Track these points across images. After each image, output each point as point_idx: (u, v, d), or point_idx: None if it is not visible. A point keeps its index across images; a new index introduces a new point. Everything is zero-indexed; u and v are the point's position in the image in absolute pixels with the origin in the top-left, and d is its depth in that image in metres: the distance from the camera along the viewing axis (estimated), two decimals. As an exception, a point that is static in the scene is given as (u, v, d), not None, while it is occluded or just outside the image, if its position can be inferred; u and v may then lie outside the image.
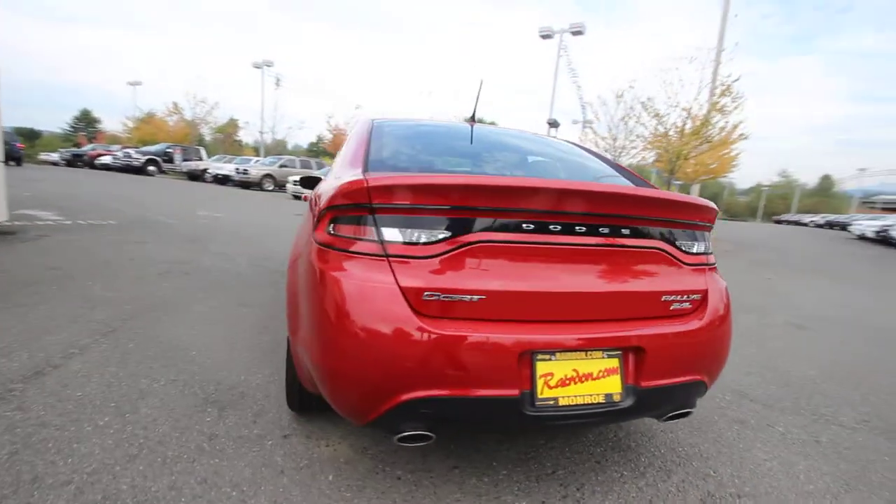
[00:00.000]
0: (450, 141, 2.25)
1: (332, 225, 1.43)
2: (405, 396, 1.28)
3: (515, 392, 1.30)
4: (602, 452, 1.93)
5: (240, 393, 2.18)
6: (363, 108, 29.14)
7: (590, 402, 1.37)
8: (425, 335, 1.26)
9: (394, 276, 1.30)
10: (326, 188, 1.55)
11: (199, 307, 3.40)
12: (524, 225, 1.35)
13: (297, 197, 16.54)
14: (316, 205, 1.66)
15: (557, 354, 1.34)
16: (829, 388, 2.86)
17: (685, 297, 1.53)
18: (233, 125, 48.42)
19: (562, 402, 1.34)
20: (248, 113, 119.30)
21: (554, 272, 1.38)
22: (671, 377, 1.47)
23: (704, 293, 1.58)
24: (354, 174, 1.51)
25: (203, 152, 23.51)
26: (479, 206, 1.32)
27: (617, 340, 1.38)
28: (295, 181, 16.15)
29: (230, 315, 3.29)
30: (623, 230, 1.44)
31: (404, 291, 1.28)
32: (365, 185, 1.33)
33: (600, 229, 1.41)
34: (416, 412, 1.30)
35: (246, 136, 49.45)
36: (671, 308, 1.51)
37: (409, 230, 1.33)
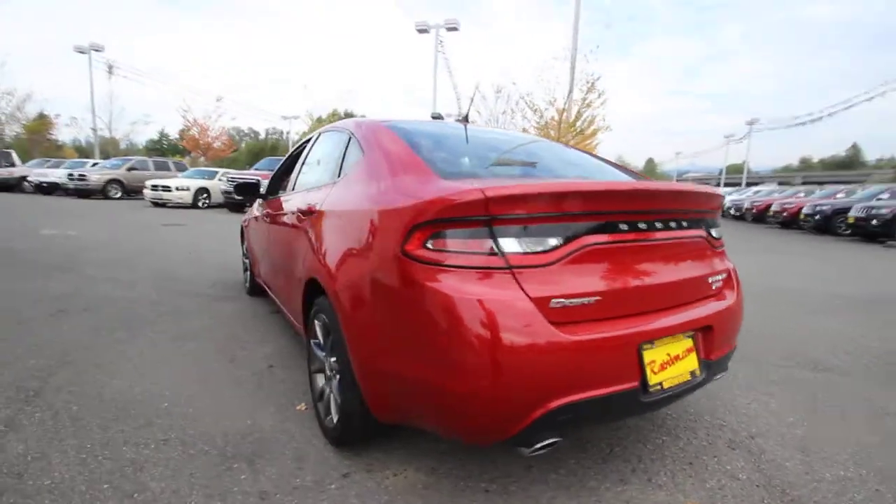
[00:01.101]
0: (482, 144, 2.20)
1: (432, 240, 1.33)
2: (547, 407, 1.27)
3: (635, 383, 1.38)
4: (638, 426, 2.12)
5: (258, 440, 1.89)
6: (225, 100, 26.28)
7: (681, 381, 1.51)
8: (561, 343, 1.26)
9: (521, 287, 1.27)
10: (402, 199, 1.43)
11: (129, 348, 2.81)
12: (620, 225, 1.42)
13: (158, 204, 14.37)
14: (372, 218, 1.52)
15: (656, 342, 1.46)
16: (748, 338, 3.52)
17: (720, 276, 1.77)
18: (45, 122, 39.83)
19: (665, 385, 1.46)
20: (68, 107, 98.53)
21: (645, 266, 1.48)
22: (724, 348, 1.69)
23: (729, 272, 1.84)
24: (448, 185, 1.42)
25: (14, 156, 18.91)
26: (587, 211, 1.36)
27: (694, 322, 1.55)
28: (199, 188, 14.13)
29: (176, 352, 2.79)
30: (683, 223, 1.60)
31: (535, 302, 1.26)
32: (483, 195, 1.27)
33: (671, 224, 1.55)
34: (554, 421, 1.29)
35: (65, 135, 41.08)
36: (713, 288, 1.73)
37: (527, 239, 1.31)
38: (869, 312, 4.37)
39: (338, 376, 1.81)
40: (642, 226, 1.47)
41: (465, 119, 2.39)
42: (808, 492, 1.69)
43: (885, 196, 11.97)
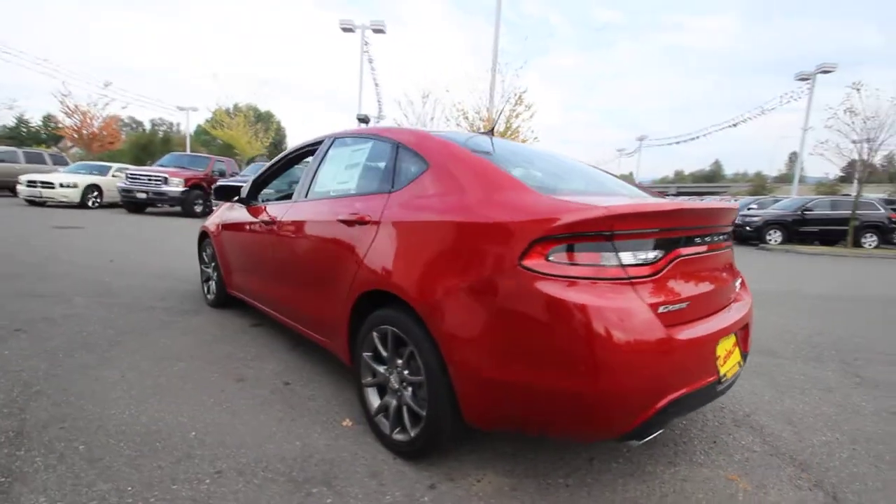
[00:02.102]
0: (529, 157, 2.28)
1: (556, 253, 1.41)
2: (663, 402, 1.41)
3: (716, 376, 1.59)
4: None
5: (323, 461, 1.80)
6: (113, 86, 23.22)
7: (734, 371, 1.76)
8: (673, 344, 1.41)
9: (639, 296, 1.40)
10: (516, 213, 1.48)
11: (104, 373, 2.45)
12: (696, 239, 1.62)
13: (35, 203, 12.31)
14: (475, 231, 1.55)
15: (721, 340, 1.68)
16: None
17: (740, 280, 2.07)
18: None
19: (728, 376, 1.69)
20: None
21: (708, 273, 1.70)
22: (749, 341, 1.99)
23: (741, 276, 2.15)
24: (561, 200, 1.50)
25: None
26: (678, 227, 1.54)
27: (740, 320, 1.81)
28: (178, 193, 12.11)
29: (168, 375, 2.50)
30: (724, 235, 1.86)
31: (651, 309, 1.40)
32: (609, 213, 1.37)
33: (719, 236, 1.80)
34: (665, 414, 1.44)
35: None
36: (738, 290, 2.02)
37: (640, 253, 1.44)
38: (780, 304, 5.24)
39: (413, 389, 1.79)
40: (708, 238, 1.69)
41: (491, 131, 2.46)
42: (808, 456, 2.04)
43: (755, 207, 14.29)
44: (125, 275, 4.84)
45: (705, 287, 1.65)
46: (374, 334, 1.93)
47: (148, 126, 61.07)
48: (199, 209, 12.67)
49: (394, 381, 1.87)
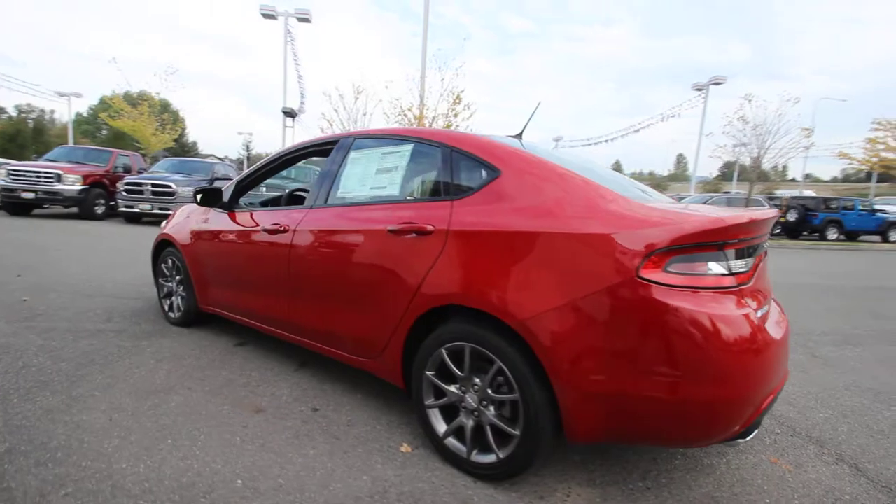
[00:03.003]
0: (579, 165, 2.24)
1: (674, 264, 1.41)
2: (767, 401, 1.49)
3: (787, 373, 1.71)
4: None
5: (402, 494, 1.65)
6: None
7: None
8: (772, 346, 1.49)
9: (746, 303, 1.45)
10: (631, 225, 1.46)
11: (82, 417, 2.04)
12: (760, 245, 1.73)
13: None
14: (580, 242, 1.51)
15: None
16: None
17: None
18: None
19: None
20: None
21: (764, 277, 1.82)
22: None
23: None
24: (673, 211, 1.50)
25: None
26: (758, 235, 1.62)
27: (784, 317, 1.96)
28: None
29: (167, 413, 2.14)
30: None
31: (755, 314, 1.46)
32: (723, 224, 1.41)
33: (766, 241, 1.93)
34: (765, 412, 1.52)
35: None
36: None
37: (740, 261, 1.49)
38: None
39: (496, 407, 1.71)
40: (765, 244, 1.81)
41: (520, 136, 2.42)
42: (819, 433, 2.29)
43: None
44: (44, 292, 4.07)
45: (766, 290, 1.76)
46: (444, 352, 1.80)
47: (13, 113, 51.89)
48: (100, 210, 11.09)
49: (471, 401, 1.76)
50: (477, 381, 1.75)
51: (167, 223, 3.55)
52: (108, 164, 11.66)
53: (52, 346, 2.84)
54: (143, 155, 14.93)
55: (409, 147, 2.15)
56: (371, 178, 2.24)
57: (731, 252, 1.46)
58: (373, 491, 1.66)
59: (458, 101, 12.77)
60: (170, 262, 3.39)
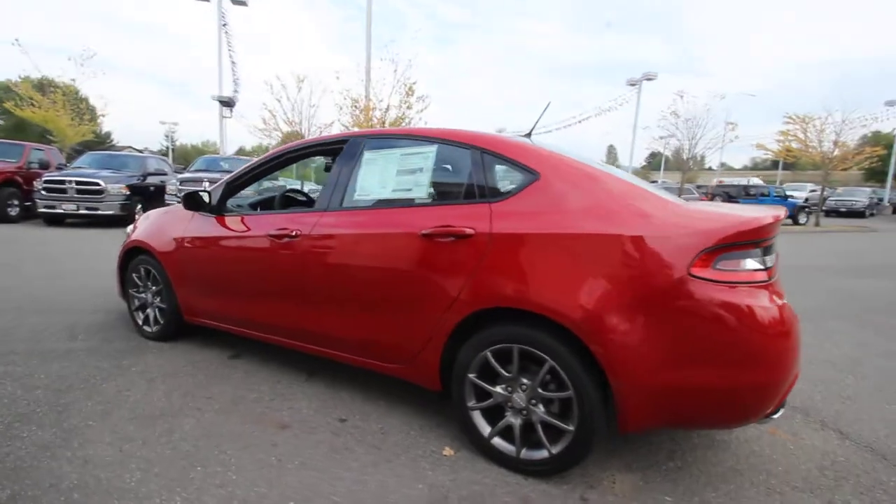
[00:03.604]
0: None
1: (722, 261, 1.52)
2: (794, 381, 1.65)
3: None
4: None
5: (462, 498, 1.66)
6: None
7: None
8: (798, 333, 1.65)
9: (778, 295, 1.60)
10: (683, 224, 1.55)
11: (87, 452, 1.85)
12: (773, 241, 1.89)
13: None
14: (634, 244, 1.58)
15: None
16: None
17: None
18: None
19: None
20: None
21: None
22: None
23: None
24: (715, 211, 1.60)
25: None
26: (776, 232, 1.77)
27: None
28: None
29: (189, 438, 1.99)
30: None
31: (785, 305, 1.61)
32: (761, 223, 1.53)
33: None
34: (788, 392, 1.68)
35: None
36: None
37: (769, 257, 1.63)
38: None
39: (546, 405, 1.75)
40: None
41: (529, 135, 2.45)
42: (800, 402, 2.56)
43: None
44: (-20, 310, 3.58)
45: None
46: (489, 354, 1.82)
47: None
48: (14, 213, 9.86)
49: (518, 400, 1.79)
50: (525, 380, 1.79)
51: (135, 228, 3.24)
52: (20, 160, 10.34)
53: (18, 371, 2.52)
54: (59, 149, 13.37)
55: (433, 148, 2.12)
56: (392, 180, 2.19)
57: (763, 249, 1.59)
58: (433, 498, 1.65)
59: (410, 92, 12.63)
60: (142, 270, 3.11)
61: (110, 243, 7.43)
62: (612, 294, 1.58)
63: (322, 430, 2.08)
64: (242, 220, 2.64)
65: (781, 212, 1.71)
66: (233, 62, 19.37)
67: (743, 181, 23.03)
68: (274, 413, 2.21)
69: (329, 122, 15.28)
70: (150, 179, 10.91)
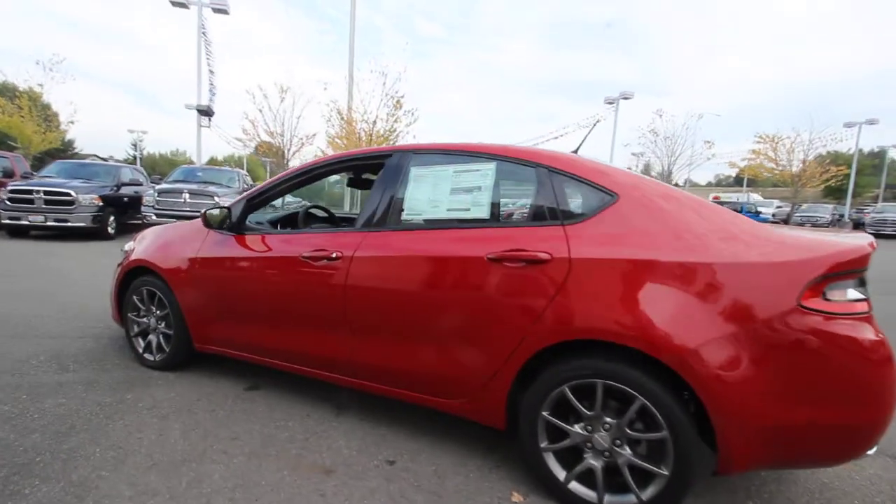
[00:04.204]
0: None
1: (831, 290, 1.43)
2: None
3: None
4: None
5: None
6: None
7: None
8: None
9: (878, 328, 1.51)
10: (789, 253, 1.46)
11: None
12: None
13: None
14: (735, 272, 1.48)
15: None
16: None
17: None
18: None
19: None
20: None
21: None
22: None
23: None
24: (810, 239, 1.51)
25: None
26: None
27: None
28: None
29: (220, 489, 1.76)
30: None
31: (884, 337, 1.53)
32: (864, 251, 1.45)
33: None
34: None
35: None
36: None
37: (865, 287, 1.55)
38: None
39: (632, 446, 1.61)
40: None
41: (576, 152, 2.35)
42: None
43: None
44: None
45: None
46: (567, 389, 1.67)
47: None
48: (-27, 224, 9.14)
49: (601, 441, 1.65)
50: (608, 419, 1.64)
51: (136, 246, 2.96)
52: (-20, 168, 9.65)
53: (5, 411, 2.21)
54: (23, 156, 12.59)
55: (492, 165, 1.99)
56: (445, 199, 2.03)
57: (860, 279, 1.51)
58: (516, 556, 1.48)
59: (398, 105, 12.52)
60: (145, 293, 2.83)
61: (82, 258, 6.94)
62: (714, 327, 1.47)
63: (372, 474, 1.87)
64: (265, 240, 2.42)
65: (872, 239, 1.64)
66: (210, 71, 18.87)
67: (742, 197, 24.00)
68: (312, 455, 1.99)
69: (312, 132, 15.05)
70: (125, 190, 10.36)
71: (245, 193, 2.60)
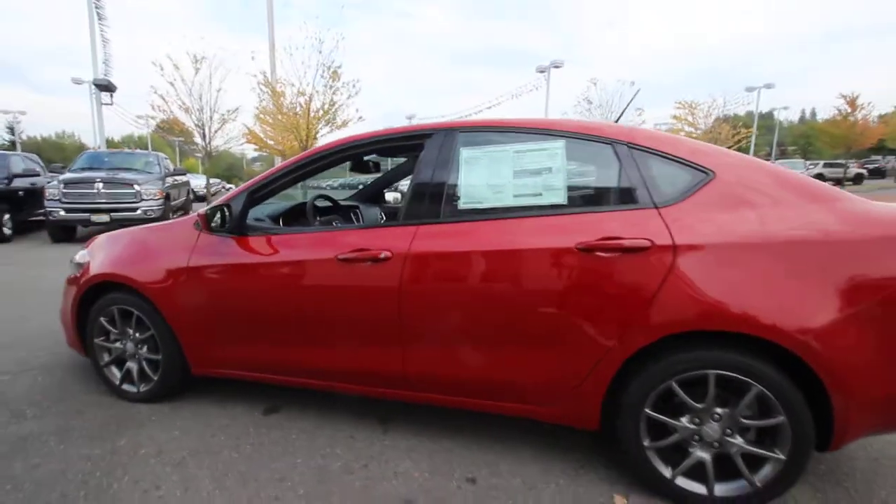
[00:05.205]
0: None
1: None
2: None
3: None
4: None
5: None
6: None
7: None
8: None
9: None
10: None
11: None
12: None
13: None
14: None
15: None
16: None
17: None
18: None
19: None
20: None
21: None
22: None
23: None
24: None
25: None
26: None
27: None
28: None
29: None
30: None
31: None
32: None
33: None
34: None
35: None
36: None
37: None
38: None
39: (747, 435, 1.56)
40: None
41: (617, 121, 2.21)
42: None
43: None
44: None
45: None
46: (674, 384, 1.56)
47: None
48: None
49: (710, 432, 1.57)
50: (718, 410, 1.57)
51: (93, 256, 2.41)
52: None
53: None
54: None
55: (559, 144, 1.78)
56: (509, 183, 1.80)
57: None
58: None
59: (335, 76, 11.63)
60: (116, 313, 2.32)
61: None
62: (834, 306, 1.42)
63: (457, 498, 1.67)
64: (278, 241, 2.05)
65: None
66: (104, 40, 16.37)
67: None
68: (381, 485, 1.74)
69: (234, 107, 13.78)
70: (18, 182, 8.78)
71: (245, 185, 2.16)
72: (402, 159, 3.20)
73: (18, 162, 9.43)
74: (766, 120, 40.35)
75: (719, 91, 16.81)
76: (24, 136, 42.77)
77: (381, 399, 2.06)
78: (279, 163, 17.24)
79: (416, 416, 2.22)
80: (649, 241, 1.55)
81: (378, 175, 3.34)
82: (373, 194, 3.40)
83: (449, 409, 1.97)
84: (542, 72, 22.77)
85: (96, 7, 13.68)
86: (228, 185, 30.98)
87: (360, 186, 3.40)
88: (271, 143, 13.87)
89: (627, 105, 2.40)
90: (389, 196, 3.53)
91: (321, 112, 11.83)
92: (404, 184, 3.74)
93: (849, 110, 23.26)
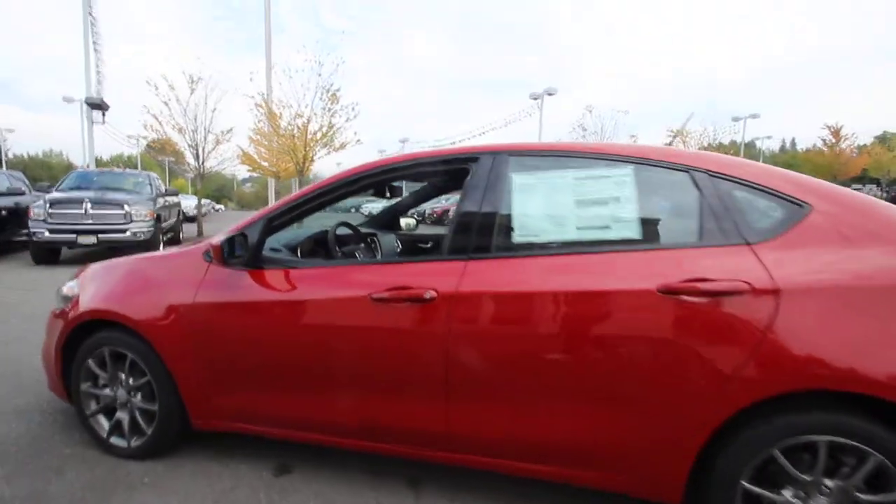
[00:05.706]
0: None
1: None
2: None
3: None
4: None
5: None
6: None
7: None
8: None
9: None
10: None
11: None
12: None
13: None
14: None
15: None
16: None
17: None
18: None
19: None
20: None
21: None
22: None
23: None
24: None
25: None
26: None
27: None
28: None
29: None
30: None
31: None
32: None
33: None
34: None
35: None
36: None
37: None
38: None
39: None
40: None
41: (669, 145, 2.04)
42: None
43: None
44: None
45: None
46: (776, 452, 1.33)
47: None
48: None
49: (818, 508, 1.33)
50: (827, 481, 1.33)
51: (83, 288, 2.13)
52: None
53: None
54: None
55: (627, 170, 1.58)
56: (571, 214, 1.59)
57: None
58: None
59: (334, 99, 11.55)
60: (107, 355, 2.04)
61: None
62: None
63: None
64: (299, 276, 1.81)
65: None
66: (96, 51, 16.22)
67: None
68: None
69: (229, 128, 13.62)
70: (2, 202, 8.40)
71: (263, 211, 1.93)
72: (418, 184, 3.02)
73: (3, 180, 9.07)
74: (749, 149, 41.53)
75: (709, 120, 17.09)
76: (10, 154, 42.07)
77: (416, 461, 1.78)
78: (272, 184, 16.87)
79: (450, 476, 1.95)
80: (747, 284, 1.34)
81: (393, 200, 3.14)
82: (388, 221, 3.19)
83: (478, 472, 1.70)
84: (535, 98, 23.12)
85: (92, 25, 13.56)
86: (218, 206, 30.57)
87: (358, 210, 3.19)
88: (265, 164, 13.67)
89: (685, 123, 2.23)
90: (403, 222, 3.31)
91: (319, 134, 11.69)
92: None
93: (833, 140, 23.92)
